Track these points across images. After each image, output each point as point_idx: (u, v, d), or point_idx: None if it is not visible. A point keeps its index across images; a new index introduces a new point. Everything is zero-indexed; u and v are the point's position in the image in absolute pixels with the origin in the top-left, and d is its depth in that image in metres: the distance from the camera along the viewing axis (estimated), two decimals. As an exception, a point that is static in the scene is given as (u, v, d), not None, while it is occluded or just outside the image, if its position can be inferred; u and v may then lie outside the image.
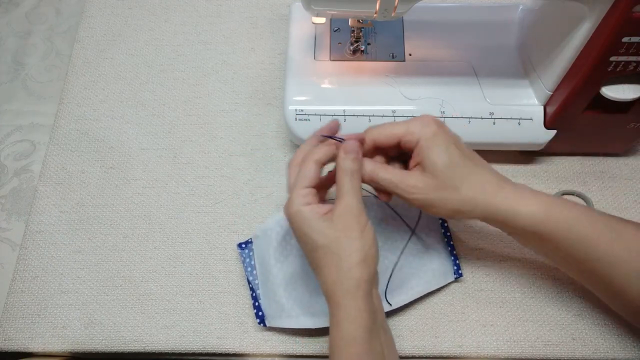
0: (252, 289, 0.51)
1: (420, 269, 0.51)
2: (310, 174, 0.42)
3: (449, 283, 0.52)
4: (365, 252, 0.40)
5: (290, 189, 0.42)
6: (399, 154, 0.45)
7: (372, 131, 0.44)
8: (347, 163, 0.41)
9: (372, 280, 0.40)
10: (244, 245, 0.53)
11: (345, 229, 0.40)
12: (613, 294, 0.43)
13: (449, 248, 0.52)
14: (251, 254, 0.52)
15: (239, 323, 0.51)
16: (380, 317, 0.41)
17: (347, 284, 0.39)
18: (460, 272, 0.52)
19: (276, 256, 0.51)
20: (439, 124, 0.43)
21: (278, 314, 0.49)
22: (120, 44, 0.66)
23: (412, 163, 0.43)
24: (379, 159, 0.45)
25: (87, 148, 0.60)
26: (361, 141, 0.43)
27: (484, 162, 0.44)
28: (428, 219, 0.53)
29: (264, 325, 0.50)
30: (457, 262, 0.52)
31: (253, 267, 0.52)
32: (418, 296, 0.50)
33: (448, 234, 0.53)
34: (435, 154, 0.41)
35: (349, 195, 0.41)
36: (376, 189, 0.45)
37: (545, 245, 0.42)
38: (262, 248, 0.52)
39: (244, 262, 0.52)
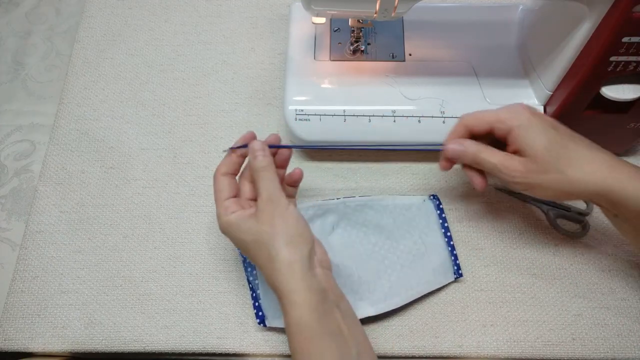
0: (252, 289, 0.51)
1: (421, 269, 0.51)
2: (222, 187, 0.44)
3: (449, 283, 0.52)
4: (289, 233, 0.40)
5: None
6: (494, 143, 0.45)
7: (465, 117, 0.45)
8: (254, 163, 0.43)
9: (307, 259, 0.40)
10: None
11: (267, 219, 0.41)
12: None
13: (449, 248, 0.52)
14: None
15: (239, 323, 0.51)
16: (333, 296, 0.41)
17: (282, 269, 0.40)
18: (460, 272, 0.52)
19: None
20: (532, 111, 0.43)
21: (278, 314, 0.49)
22: (120, 44, 0.66)
23: (509, 150, 0.43)
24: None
25: (87, 148, 0.60)
26: (252, 137, 0.46)
27: (589, 142, 0.43)
28: (427, 220, 0.53)
29: (264, 325, 0.50)
30: (457, 261, 0.52)
31: (253, 267, 0.52)
32: (418, 296, 0.50)
33: (448, 234, 0.53)
34: (532, 138, 0.41)
35: (263, 189, 0.42)
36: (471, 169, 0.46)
37: None
38: None
39: (243, 262, 0.52)
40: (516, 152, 0.42)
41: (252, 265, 0.52)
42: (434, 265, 0.51)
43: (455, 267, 0.52)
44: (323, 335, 0.39)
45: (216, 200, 0.44)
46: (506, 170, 0.42)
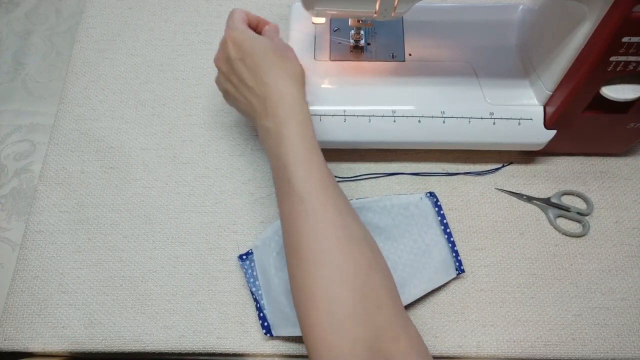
0: (255, 300, 0.51)
1: (422, 267, 0.51)
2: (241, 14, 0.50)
3: (450, 281, 0.52)
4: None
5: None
6: None
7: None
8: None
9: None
10: (244, 257, 0.52)
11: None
12: None
13: (450, 244, 0.53)
14: (252, 264, 0.52)
15: (239, 323, 0.51)
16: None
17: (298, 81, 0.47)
18: (462, 267, 0.52)
19: (276, 265, 0.51)
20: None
21: (283, 323, 0.49)
22: (120, 44, 0.66)
23: None
24: None
25: (87, 148, 0.60)
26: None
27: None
28: (425, 217, 0.53)
29: (271, 335, 0.49)
30: (459, 257, 0.52)
31: (255, 278, 0.51)
32: (421, 295, 0.50)
33: (448, 230, 0.53)
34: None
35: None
36: None
37: None
38: (263, 258, 0.52)
39: (245, 273, 0.52)
40: None
41: (254, 276, 0.51)
42: (435, 262, 0.51)
43: (457, 263, 0.52)
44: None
45: (233, 19, 0.49)
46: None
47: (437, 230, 0.53)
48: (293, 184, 0.41)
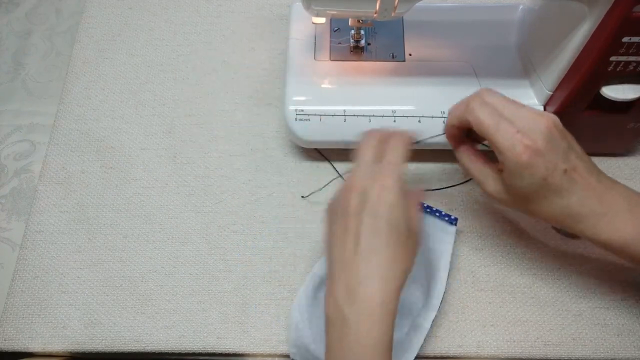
0: None
1: (424, 253, 0.50)
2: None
3: (450, 281, 0.51)
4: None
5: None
6: None
7: (460, 115, 0.42)
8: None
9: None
10: None
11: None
12: None
13: (429, 210, 0.51)
14: None
15: (239, 323, 0.51)
16: None
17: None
18: (452, 217, 0.50)
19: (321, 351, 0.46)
20: (536, 149, 0.38)
21: None
22: (120, 44, 0.66)
23: (499, 165, 0.41)
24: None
25: (87, 148, 0.60)
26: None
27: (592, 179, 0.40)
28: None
29: None
30: (443, 213, 0.51)
31: None
32: (446, 272, 0.49)
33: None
34: (520, 185, 0.40)
35: None
36: None
37: None
38: (306, 355, 0.48)
39: None
40: (503, 172, 0.41)
41: None
42: (429, 232, 0.50)
43: (446, 217, 0.50)
44: None
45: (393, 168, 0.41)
46: (483, 188, 0.43)
47: None
48: None
